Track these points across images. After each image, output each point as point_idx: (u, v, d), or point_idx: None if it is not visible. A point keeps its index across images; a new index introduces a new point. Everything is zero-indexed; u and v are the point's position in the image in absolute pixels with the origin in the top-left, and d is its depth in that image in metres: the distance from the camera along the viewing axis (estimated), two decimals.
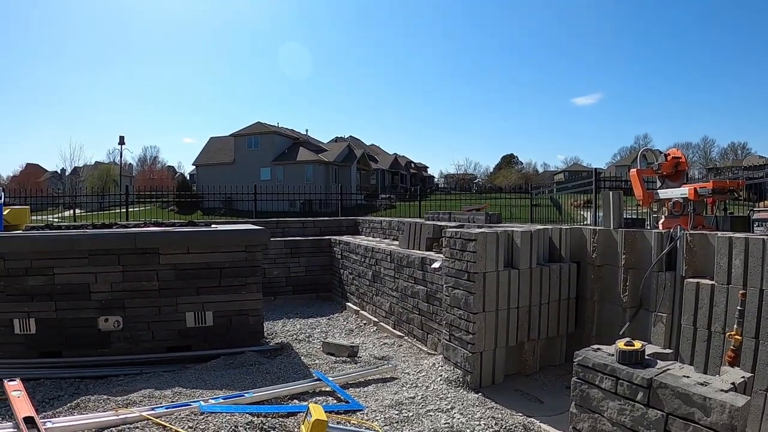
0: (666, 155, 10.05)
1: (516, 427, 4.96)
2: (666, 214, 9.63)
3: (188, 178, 79.87)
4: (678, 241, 5.67)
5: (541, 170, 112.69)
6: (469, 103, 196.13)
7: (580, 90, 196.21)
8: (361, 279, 10.17)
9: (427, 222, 9.52)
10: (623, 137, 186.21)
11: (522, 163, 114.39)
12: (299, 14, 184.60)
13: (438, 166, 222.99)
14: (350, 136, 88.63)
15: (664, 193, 9.64)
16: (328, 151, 68.46)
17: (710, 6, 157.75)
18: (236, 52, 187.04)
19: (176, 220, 11.64)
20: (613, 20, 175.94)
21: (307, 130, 78.40)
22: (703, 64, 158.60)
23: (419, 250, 8.81)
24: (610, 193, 6.99)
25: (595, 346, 4.38)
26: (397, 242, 10.16)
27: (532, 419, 5.24)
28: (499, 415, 5.20)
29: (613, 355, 4.08)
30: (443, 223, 8.93)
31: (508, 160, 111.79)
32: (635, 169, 10.18)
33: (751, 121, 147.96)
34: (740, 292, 4.69)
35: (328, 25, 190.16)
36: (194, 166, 73.06)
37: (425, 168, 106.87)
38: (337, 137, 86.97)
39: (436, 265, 7.27)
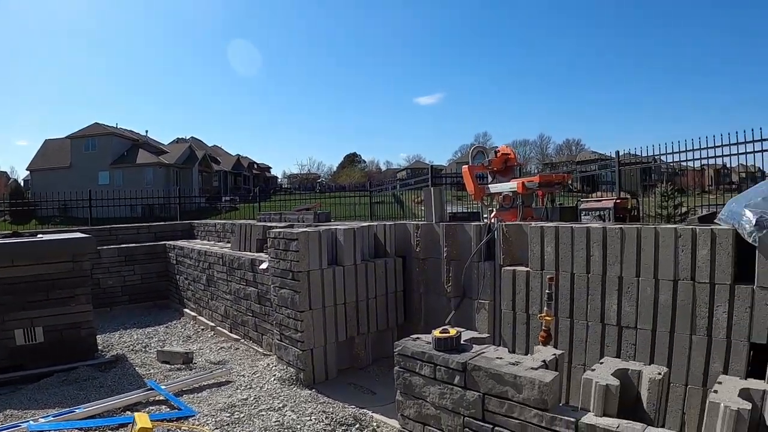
0: (496, 152, 10.41)
1: (347, 419, 5.02)
2: (497, 207, 9.98)
3: (22, 184, 75.76)
4: (495, 232, 5.90)
5: (384, 168, 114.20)
6: (313, 101, 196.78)
7: (423, 89, 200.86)
8: (196, 284, 9.95)
9: (258, 223, 9.45)
10: (464, 135, 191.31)
11: (365, 162, 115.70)
12: (134, 9, 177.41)
13: (281, 167, 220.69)
14: (192, 137, 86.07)
15: (494, 188, 9.98)
16: (169, 153, 66.50)
17: (549, 8, 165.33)
18: (73, 48, 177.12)
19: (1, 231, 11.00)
20: (456, 21, 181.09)
21: (147, 131, 75.68)
22: (540, 65, 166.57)
23: (250, 251, 8.70)
24: (431, 189, 7.19)
25: (415, 336, 4.50)
26: (230, 245, 10.00)
27: (365, 410, 5.31)
28: (330, 409, 5.25)
29: (430, 343, 4.20)
30: (273, 224, 8.89)
31: (351, 159, 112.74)
32: (467, 166, 10.48)
33: (585, 119, 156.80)
34: (548, 276, 4.94)
35: (162, 20, 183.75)
36: (29, 171, 69.28)
37: (268, 168, 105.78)
38: (178, 138, 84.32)
39: (263, 266, 7.22)
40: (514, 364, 3.78)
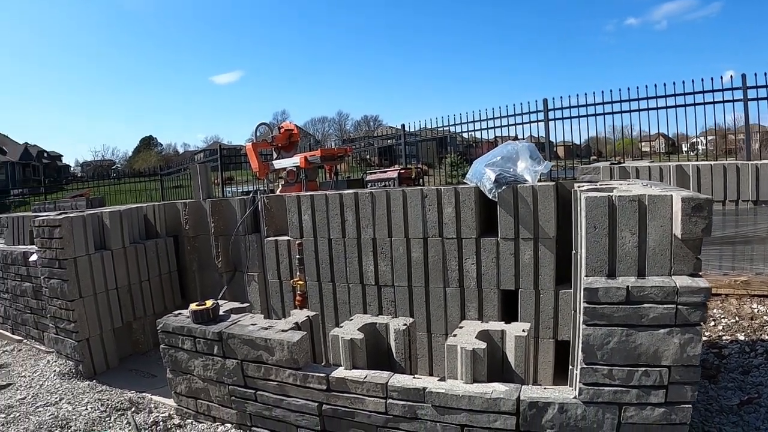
0: (280, 128, 10.54)
1: (123, 404, 4.98)
2: (282, 183, 10.12)
3: None
4: (259, 205, 6.03)
5: (181, 150, 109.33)
6: (103, 85, 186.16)
7: (220, 68, 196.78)
8: None
9: (32, 214, 9.06)
10: (263, 114, 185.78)
11: (162, 145, 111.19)
12: None
13: (74, 154, 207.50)
14: None
15: (278, 164, 10.10)
16: None
17: None
18: None
19: None
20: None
21: None
22: (336, 43, 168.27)
23: (24, 244, 8.31)
24: (197, 167, 7.21)
25: (177, 312, 4.55)
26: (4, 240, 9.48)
27: (144, 393, 5.30)
28: (107, 397, 5.19)
29: (189, 317, 4.27)
30: (46, 214, 8.56)
31: (148, 143, 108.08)
32: (250, 143, 10.53)
33: (382, 96, 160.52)
34: (297, 242, 5.14)
35: None
36: None
37: (60, 157, 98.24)
38: None
39: (33, 258, 6.95)
40: (266, 328, 3.94)
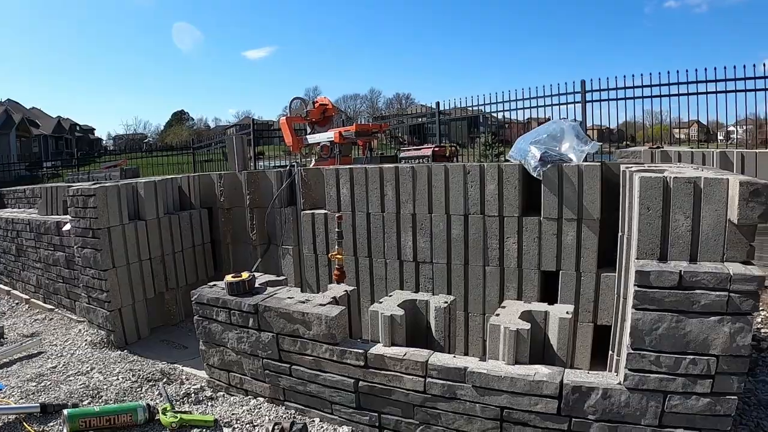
0: (314, 102, 10.46)
1: (155, 374, 4.95)
2: (316, 158, 10.05)
3: None
4: (295, 177, 5.94)
5: (213, 125, 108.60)
6: (134, 59, 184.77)
7: (252, 43, 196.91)
8: (6, 255, 9.37)
9: (64, 185, 9.04)
10: (295, 89, 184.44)
11: (194, 120, 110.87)
12: None
13: (106, 128, 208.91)
14: (8, 100, 79.47)
15: (312, 138, 10.04)
16: None
17: None
18: None
19: None
20: None
21: None
22: (369, 20, 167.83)
23: (57, 214, 8.29)
24: (233, 138, 7.15)
25: (212, 283, 4.49)
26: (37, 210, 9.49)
27: (175, 365, 5.28)
28: (139, 367, 5.15)
29: (224, 288, 4.20)
30: (79, 185, 8.56)
31: (179, 117, 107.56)
32: (284, 117, 10.47)
33: (414, 74, 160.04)
34: (337, 215, 5.05)
35: None
36: None
37: (92, 130, 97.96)
38: None
39: (66, 227, 6.92)
40: (303, 302, 3.86)
